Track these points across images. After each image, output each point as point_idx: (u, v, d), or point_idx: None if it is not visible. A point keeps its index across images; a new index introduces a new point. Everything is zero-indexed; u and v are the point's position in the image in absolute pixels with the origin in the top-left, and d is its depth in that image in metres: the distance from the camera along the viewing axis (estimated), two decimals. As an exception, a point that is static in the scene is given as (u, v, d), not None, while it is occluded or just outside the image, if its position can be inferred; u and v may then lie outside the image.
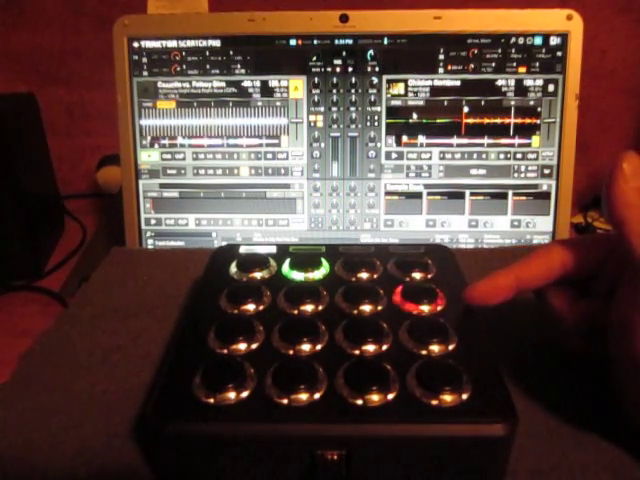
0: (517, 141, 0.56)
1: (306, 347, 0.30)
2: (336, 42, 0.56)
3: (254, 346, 0.30)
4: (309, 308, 0.33)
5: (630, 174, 0.27)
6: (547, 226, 0.57)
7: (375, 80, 0.56)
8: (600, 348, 0.29)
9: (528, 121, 0.56)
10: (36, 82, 0.81)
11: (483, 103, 0.56)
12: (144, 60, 0.57)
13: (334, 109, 0.57)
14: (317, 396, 0.26)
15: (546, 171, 0.57)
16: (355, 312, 0.33)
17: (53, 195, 0.76)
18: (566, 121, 0.56)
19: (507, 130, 0.56)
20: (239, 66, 0.56)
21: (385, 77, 0.56)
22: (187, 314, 0.34)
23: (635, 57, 0.78)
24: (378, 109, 0.57)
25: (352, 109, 0.57)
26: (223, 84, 0.57)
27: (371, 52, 0.56)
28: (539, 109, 0.56)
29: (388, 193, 0.58)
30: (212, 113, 0.57)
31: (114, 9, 0.75)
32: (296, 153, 0.57)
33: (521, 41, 0.55)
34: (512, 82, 0.56)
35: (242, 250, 0.40)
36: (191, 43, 0.56)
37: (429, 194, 0.57)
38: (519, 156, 0.57)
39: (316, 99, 0.57)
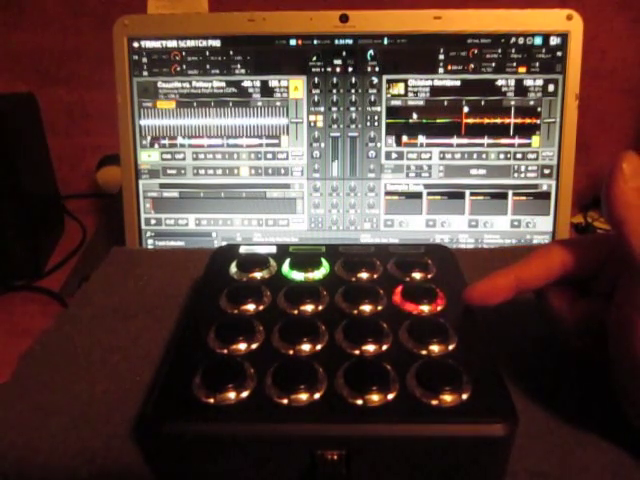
0: (517, 141, 0.56)
1: (306, 347, 0.30)
2: (336, 42, 0.56)
3: (254, 346, 0.30)
4: (309, 308, 0.33)
5: (630, 174, 0.27)
6: (547, 226, 0.57)
7: (375, 80, 0.56)
8: (600, 348, 0.29)
9: (528, 121, 0.56)
10: (36, 82, 0.81)
11: (483, 103, 0.56)
12: (144, 60, 0.57)
13: (334, 109, 0.57)
14: (317, 396, 0.26)
15: (546, 171, 0.57)
16: (355, 312, 0.33)
17: (53, 195, 0.76)
18: (566, 121, 0.56)
19: (507, 130, 0.56)
20: (239, 66, 0.56)
21: (385, 77, 0.56)
22: (187, 314, 0.34)
23: (635, 57, 0.78)
24: (378, 109, 0.57)
25: (352, 109, 0.57)
26: (223, 84, 0.57)
27: (371, 52, 0.56)
28: (539, 109, 0.56)
29: (388, 193, 0.58)
30: (212, 113, 0.57)
31: (114, 9, 0.75)
32: (296, 153, 0.57)
33: (521, 41, 0.55)
34: (512, 82, 0.56)
35: (242, 250, 0.40)
36: (191, 43, 0.56)
37: (429, 194, 0.57)
38: (519, 156, 0.57)
39: (316, 99, 0.57)
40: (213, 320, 0.32)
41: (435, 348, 0.29)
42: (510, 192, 0.57)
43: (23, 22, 0.80)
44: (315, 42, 0.56)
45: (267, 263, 0.37)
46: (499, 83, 0.56)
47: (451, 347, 0.30)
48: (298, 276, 0.36)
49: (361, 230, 0.58)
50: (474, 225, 0.58)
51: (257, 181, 0.58)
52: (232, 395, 0.26)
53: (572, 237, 0.62)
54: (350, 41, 0.56)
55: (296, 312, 0.33)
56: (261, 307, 0.33)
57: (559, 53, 0.55)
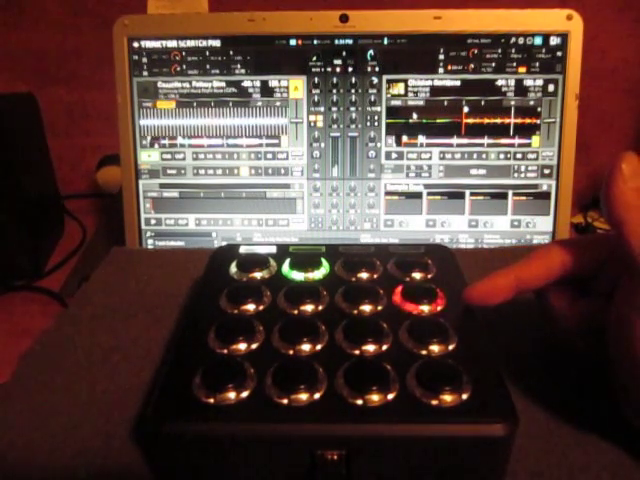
0: (517, 141, 0.56)
1: (306, 347, 0.30)
2: (336, 42, 0.56)
3: (254, 346, 0.30)
4: (309, 308, 0.33)
5: (629, 175, 0.27)
6: (547, 226, 0.57)
7: (375, 80, 0.56)
8: (600, 348, 0.29)
9: (528, 121, 0.56)
10: (36, 82, 0.81)
11: (483, 103, 0.56)
12: (144, 60, 0.57)
13: (334, 109, 0.57)
14: (317, 396, 0.26)
15: (546, 171, 0.57)
16: (355, 312, 0.33)
17: (53, 195, 0.76)
18: (566, 121, 0.56)
19: (507, 130, 0.56)
20: (239, 66, 0.56)
21: (385, 77, 0.56)
22: (187, 314, 0.34)
23: (635, 57, 0.78)
24: (378, 109, 0.57)
25: (352, 109, 0.57)
26: (223, 84, 0.57)
27: (371, 52, 0.56)
28: (539, 109, 0.56)
29: (388, 193, 0.58)
30: (212, 113, 0.57)
31: (114, 9, 0.75)
32: (296, 153, 0.57)
33: (521, 41, 0.55)
34: (512, 82, 0.56)
35: (242, 250, 0.40)
36: (191, 43, 0.56)
37: (429, 194, 0.57)
38: (519, 156, 0.57)
39: (316, 99, 0.57)
40: (213, 320, 0.32)
41: (435, 348, 0.29)
42: (510, 192, 0.57)
43: (23, 22, 0.80)
44: (315, 42, 0.56)
45: (267, 263, 0.37)
46: (499, 83, 0.56)
47: (451, 347, 0.30)
48: (298, 276, 0.36)
49: (361, 230, 0.58)
50: (474, 225, 0.58)
51: (257, 181, 0.58)
52: (232, 395, 0.26)
53: (572, 237, 0.62)
54: (350, 41, 0.56)
55: (296, 312, 0.33)
56: (261, 307, 0.33)
57: (559, 53, 0.55)
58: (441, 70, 0.56)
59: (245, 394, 0.27)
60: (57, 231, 0.73)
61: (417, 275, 0.36)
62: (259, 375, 0.28)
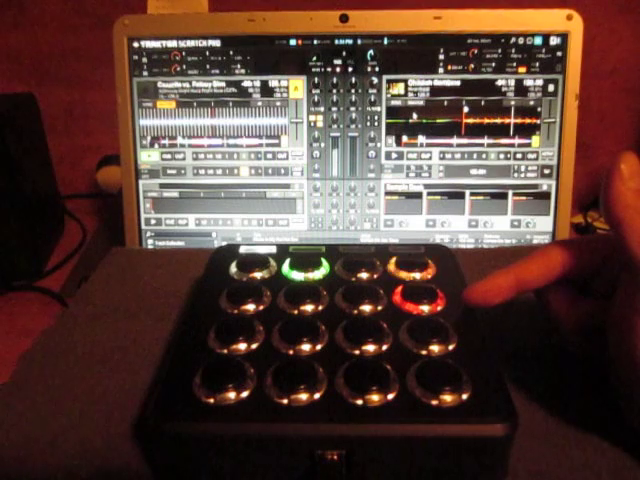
0: (517, 141, 0.56)
1: (306, 347, 0.30)
2: (336, 42, 0.56)
3: (254, 346, 0.30)
4: (309, 308, 0.33)
5: (628, 175, 0.27)
6: (547, 226, 0.57)
7: (375, 80, 0.56)
8: (600, 348, 0.29)
9: (528, 121, 0.56)
10: (36, 82, 0.81)
11: (483, 103, 0.56)
12: (144, 60, 0.56)
13: (334, 109, 0.57)
14: (317, 396, 0.26)
15: (546, 171, 0.57)
16: (355, 312, 0.33)
17: (53, 195, 0.76)
18: (566, 121, 0.56)
19: (507, 130, 0.56)
20: (239, 66, 0.56)
21: (385, 77, 0.56)
22: (187, 314, 0.34)
23: (635, 57, 0.78)
24: (378, 109, 0.57)
25: (352, 109, 0.57)
26: (223, 84, 0.57)
27: (371, 52, 0.56)
28: (539, 109, 0.56)
29: (388, 193, 0.58)
30: (212, 113, 0.57)
31: (114, 9, 0.75)
32: (296, 153, 0.57)
33: (521, 41, 0.55)
34: (512, 82, 0.56)
35: (242, 250, 0.40)
36: (191, 43, 0.56)
37: (429, 194, 0.57)
38: (519, 156, 0.57)
39: (316, 99, 0.57)
40: (213, 320, 0.32)
41: (435, 348, 0.29)
42: (510, 192, 0.57)
43: (23, 22, 0.80)
44: (315, 42, 0.56)
45: (267, 263, 0.37)
46: (499, 83, 0.56)
47: (451, 347, 0.30)
48: (298, 276, 0.36)
49: (361, 230, 0.58)
50: (474, 225, 0.58)
51: (257, 181, 0.58)
52: (232, 395, 0.26)
53: (572, 237, 0.62)
54: (350, 41, 0.56)
55: (296, 312, 0.33)
56: (261, 307, 0.33)
57: (559, 53, 0.55)
58: (441, 70, 0.56)
59: (245, 394, 0.27)
60: (57, 231, 0.73)
61: (417, 275, 0.36)
62: (259, 375, 0.28)
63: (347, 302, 0.33)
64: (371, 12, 0.55)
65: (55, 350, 0.36)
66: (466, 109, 0.56)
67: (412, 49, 0.55)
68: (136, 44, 0.56)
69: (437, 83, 0.56)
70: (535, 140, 0.56)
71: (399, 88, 0.56)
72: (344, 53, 0.56)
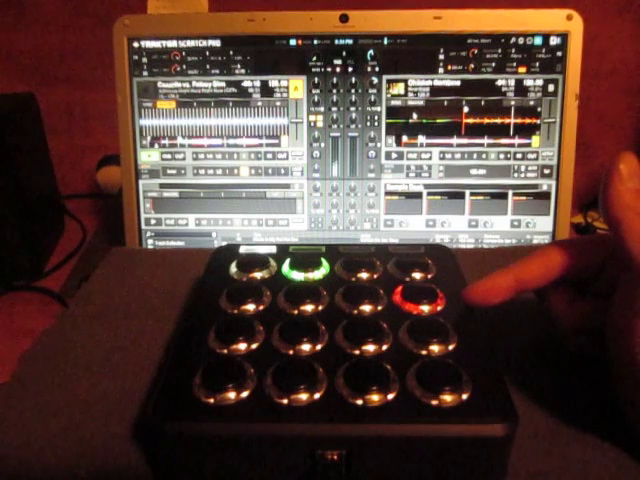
0: (517, 141, 0.56)
1: (306, 347, 0.30)
2: (336, 42, 0.56)
3: (254, 346, 0.30)
4: (309, 308, 0.33)
5: (627, 176, 0.26)
6: (547, 226, 0.57)
7: (375, 80, 0.56)
8: (600, 348, 0.29)
9: (528, 121, 0.56)
10: (36, 82, 0.81)
11: (483, 103, 0.56)
12: (144, 60, 0.56)
13: (334, 109, 0.57)
14: (317, 396, 0.26)
15: (546, 171, 0.57)
16: (355, 312, 0.33)
17: (53, 195, 0.75)
18: (566, 121, 0.56)
19: (507, 130, 0.56)
20: (239, 66, 0.56)
21: (385, 77, 0.56)
22: (187, 314, 0.34)
23: (635, 57, 0.78)
24: (378, 109, 0.57)
25: (352, 109, 0.57)
26: (223, 84, 0.57)
27: (371, 52, 0.56)
28: (539, 109, 0.56)
29: (388, 193, 0.58)
30: (212, 113, 0.57)
31: (114, 9, 0.75)
32: (296, 153, 0.57)
33: (521, 41, 0.55)
34: (512, 82, 0.56)
35: (242, 250, 0.40)
36: (191, 43, 0.56)
37: (429, 194, 0.57)
38: (519, 156, 0.57)
39: (316, 99, 0.57)
40: (213, 320, 0.32)
41: (435, 348, 0.29)
42: (510, 192, 0.57)
43: (23, 22, 0.80)
44: (315, 42, 0.56)
45: (267, 263, 0.37)
46: (499, 83, 0.56)
47: (451, 347, 0.30)
48: (298, 276, 0.36)
49: (361, 230, 0.58)
50: (474, 225, 0.58)
51: (257, 181, 0.58)
52: (232, 395, 0.26)
53: (572, 237, 0.62)
54: (350, 41, 0.56)
55: (296, 312, 0.33)
56: (261, 307, 0.33)
57: (559, 53, 0.55)
58: (441, 70, 0.56)
59: (245, 394, 0.27)
60: (57, 231, 0.73)
61: (417, 275, 0.36)
62: (259, 375, 0.28)
63: (347, 302, 0.33)
64: (371, 12, 0.55)
65: (55, 350, 0.36)
66: (466, 109, 0.56)
67: (412, 49, 0.55)
68: (136, 44, 0.56)
69: (437, 83, 0.56)
70: (535, 140, 0.56)
71: (399, 88, 0.56)
72: (344, 53, 0.56)
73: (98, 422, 0.30)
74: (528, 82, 0.56)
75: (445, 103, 0.56)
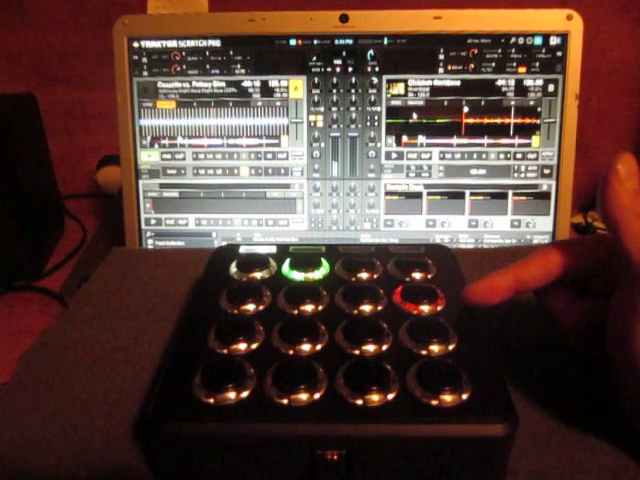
0: (517, 141, 0.56)
1: (306, 347, 0.30)
2: (336, 42, 0.56)
3: (254, 346, 0.30)
4: (309, 308, 0.33)
5: (625, 176, 0.26)
6: (547, 226, 0.57)
7: (375, 80, 0.56)
8: (600, 348, 0.29)
9: (528, 121, 0.56)
10: (36, 82, 0.81)
11: (483, 103, 0.56)
12: (144, 60, 0.56)
13: (334, 109, 0.57)
14: (317, 396, 0.26)
15: (546, 171, 0.57)
16: (355, 312, 0.33)
17: (53, 195, 0.75)
18: (566, 121, 0.56)
19: (507, 130, 0.56)
20: (239, 66, 0.56)
21: (385, 77, 0.56)
22: (187, 314, 0.34)
23: (635, 57, 0.78)
24: (378, 109, 0.57)
25: (352, 109, 0.57)
26: (223, 84, 0.57)
27: (371, 52, 0.56)
28: (539, 109, 0.56)
29: (388, 193, 0.58)
30: (212, 113, 0.57)
31: (114, 9, 0.75)
32: (296, 153, 0.57)
33: (521, 41, 0.55)
34: (512, 82, 0.56)
35: (242, 250, 0.40)
36: (191, 43, 0.56)
37: (429, 194, 0.57)
38: (519, 156, 0.57)
39: (316, 99, 0.57)
40: (213, 320, 0.32)
41: (435, 348, 0.29)
42: (510, 192, 0.57)
43: (23, 22, 0.80)
44: (315, 42, 0.56)
45: (267, 263, 0.37)
46: (499, 83, 0.56)
47: (451, 347, 0.30)
48: (298, 276, 0.36)
49: (361, 230, 0.58)
50: (474, 225, 0.58)
51: (257, 181, 0.58)
52: (232, 395, 0.26)
53: (571, 238, 0.62)
54: (350, 41, 0.56)
55: (296, 312, 0.33)
56: (261, 307, 0.33)
57: (559, 53, 0.55)
58: (441, 70, 0.56)
59: (245, 394, 0.27)
60: (57, 231, 0.73)
61: (417, 275, 0.36)
62: (259, 375, 0.28)
63: (347, 302, 0.33)
64: (371, 12, 0.55)
65: (55, 350, 0.36)
66: (466, 109, 0.56)
67: (412, 49, 0.55)
68: (136, 44, 0.56)
69: (437, 83, 0.56)
70: (535, 140, 0.56)
71: (399, 88, 0.56)
72: (344, 53, 0.56)
73: (98, 422, 0.30)
74: (528, 82, 0.56)
75: (445, 103, 0.56)
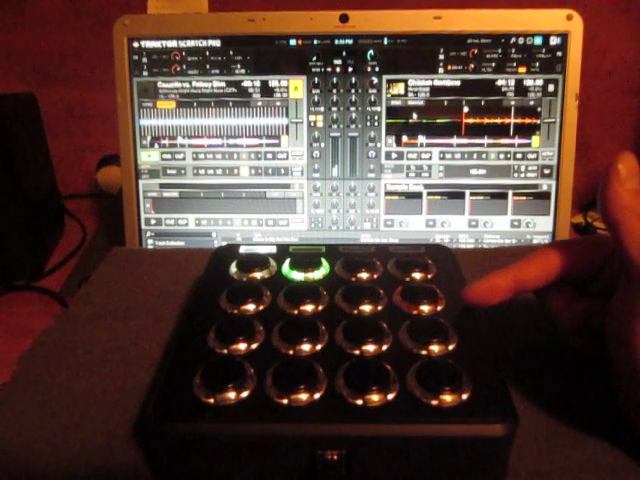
0: (517, 141, 0.56)
1: (306, 347, 0.30)
2: (336, 42, 0.56)
3: (254, 346, 0.30)
4: (309, 308, 0.33)
5: (625, 176, 0.26)
6: (547, 226, 0.57)
7: (375, 80, 0.56)
8: (600, 348, 0.29)
9: (528, 121, 0.56)
10: (36, 82, 0.81)
11: (483, 103, 0.56)
12: (144, 60, 0.57)
13: (334, 109, 0.57)
14: (317, 396, 0.26)
15: (546, 171, 0.57)
16: (355, 312, 0.33)
17: (53, 195, 0.75)
18: (566, 121, 0.56)
19: (507, 130, 0.56)
20: (239, 66, 0.56)
21: (385, 77, 0.56)
22: (187, 314, 0.34)
23: (635, 57, 0.78)
24: (378, 109, 0.57)
25: (352, 109, 0.57)
26: (223, 84, 0.57)
27: (371, 52, 0.56)
28: (539, 109, 0.56)
29: (388, 193, 0.58)
30: (212, 113, 0.57)
31: (114, 9, 0.75)
32: (296, 153, 0.57)
33: (521, 41, 0.55)
34: (512, 82, 0.56)
35: (242, 250, 0.40)
36: (191, 43, 0.56)
37: (429, 194, 0.57)
38: (519, 156, 0.57)
39: (316, 99, 0.57)
40: (213, 320, 0.32)
41: (435, 348, 0.29)
42: (510, 192, 0.57)
43: (23, 22, 0.80)
44: (315, 42, 0.56)
45: (267, 263, 0.37)
46: (499, 83, 0.56)
47: (451, 347, 0.30)
48: (298, 276, 0.36)
49: (361, 230, 0.58)
50: (474, 225, 0.58)
51: (257, 181, 0.58)
52: (232, 395, 0.26)
53: (571, 238, 0.62)
54: (350, 41, 0.56)
55: (296, 312, 0.33)
56: (261, 307, 0.33)
57: (559, 53, 0.55)
58: (441, 70, 0.56)
59: (245, 394, 0.27)
60: (57, 231, 0.73)
61: (417, 275, 0.36)
62: (259, 375, 0.28)
63: (347, 302, 0.33)
64: (371, 12, 0.55)
65: (55, 350, 0.36)
66: (466, 109, 0.56)
67: (412, 49, 0.55)
68: (136, 44, 0.56)
69: (437, 83, 0.56)
70: (535, 140, 0.56)
71: (399, 88, 0.56)
72: (344, 53, 0.56)
73: (98, 422, 0.30)
74: (528, 82, 0.56)
75: (445, 103, 0.56)
